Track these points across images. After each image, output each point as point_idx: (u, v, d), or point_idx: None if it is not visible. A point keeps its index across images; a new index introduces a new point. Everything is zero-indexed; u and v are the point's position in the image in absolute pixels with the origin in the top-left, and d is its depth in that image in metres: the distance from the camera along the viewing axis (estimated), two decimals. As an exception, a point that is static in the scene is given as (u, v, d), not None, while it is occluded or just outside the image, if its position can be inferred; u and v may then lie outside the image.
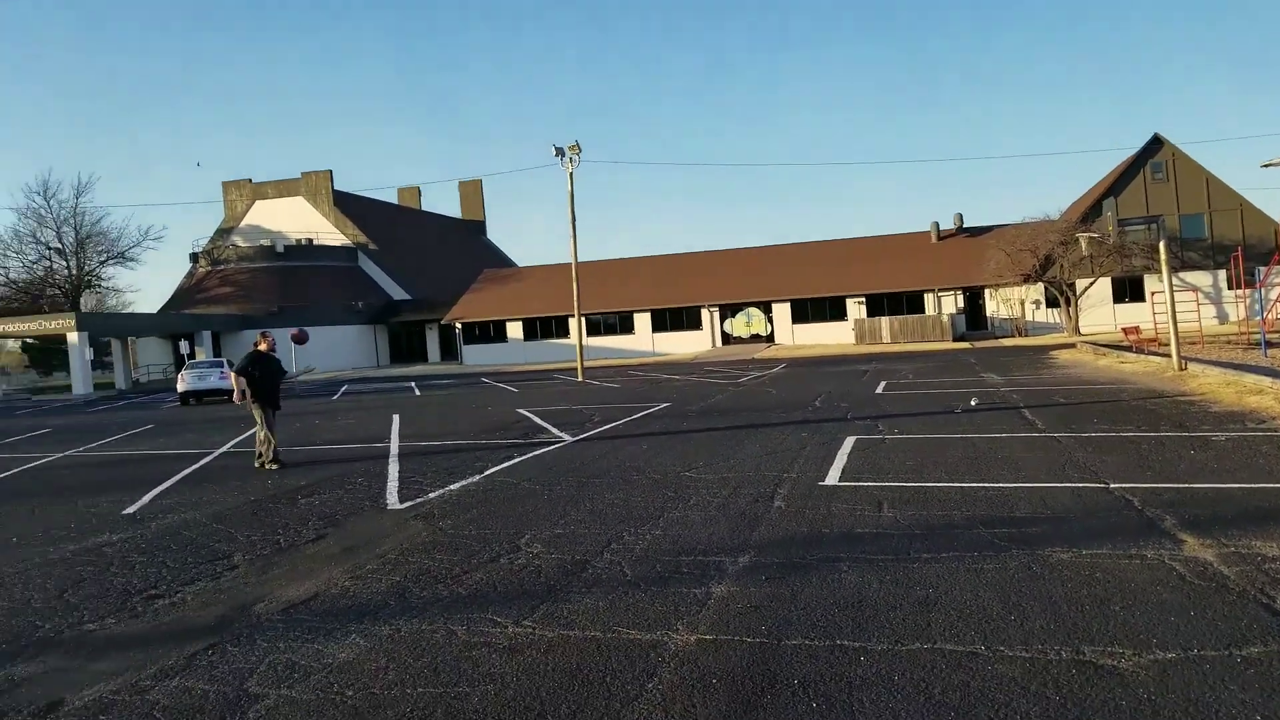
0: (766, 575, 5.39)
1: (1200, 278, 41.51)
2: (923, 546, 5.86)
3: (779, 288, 49.37)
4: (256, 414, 11.78)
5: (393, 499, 8.90)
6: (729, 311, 49.92)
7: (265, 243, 59.17)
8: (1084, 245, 25.04)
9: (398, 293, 61.29)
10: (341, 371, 51.86)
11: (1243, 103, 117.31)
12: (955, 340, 43.20)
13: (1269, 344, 21.41)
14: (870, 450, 10.22)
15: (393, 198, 76.09)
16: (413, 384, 34.06)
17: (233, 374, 12.00)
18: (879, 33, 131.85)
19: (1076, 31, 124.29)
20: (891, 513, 6.94)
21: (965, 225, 51.24)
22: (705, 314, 49.99)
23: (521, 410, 18.61)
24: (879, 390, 18.82)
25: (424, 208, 78.58)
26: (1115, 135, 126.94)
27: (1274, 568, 4.88)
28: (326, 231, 62.28)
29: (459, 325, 53.19)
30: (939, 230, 51.06)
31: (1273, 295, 26.96)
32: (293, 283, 56.03)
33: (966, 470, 8.61)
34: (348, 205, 64.03)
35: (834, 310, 48.07)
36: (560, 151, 31.05)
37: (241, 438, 16.43)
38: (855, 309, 47.54)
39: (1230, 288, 41.06)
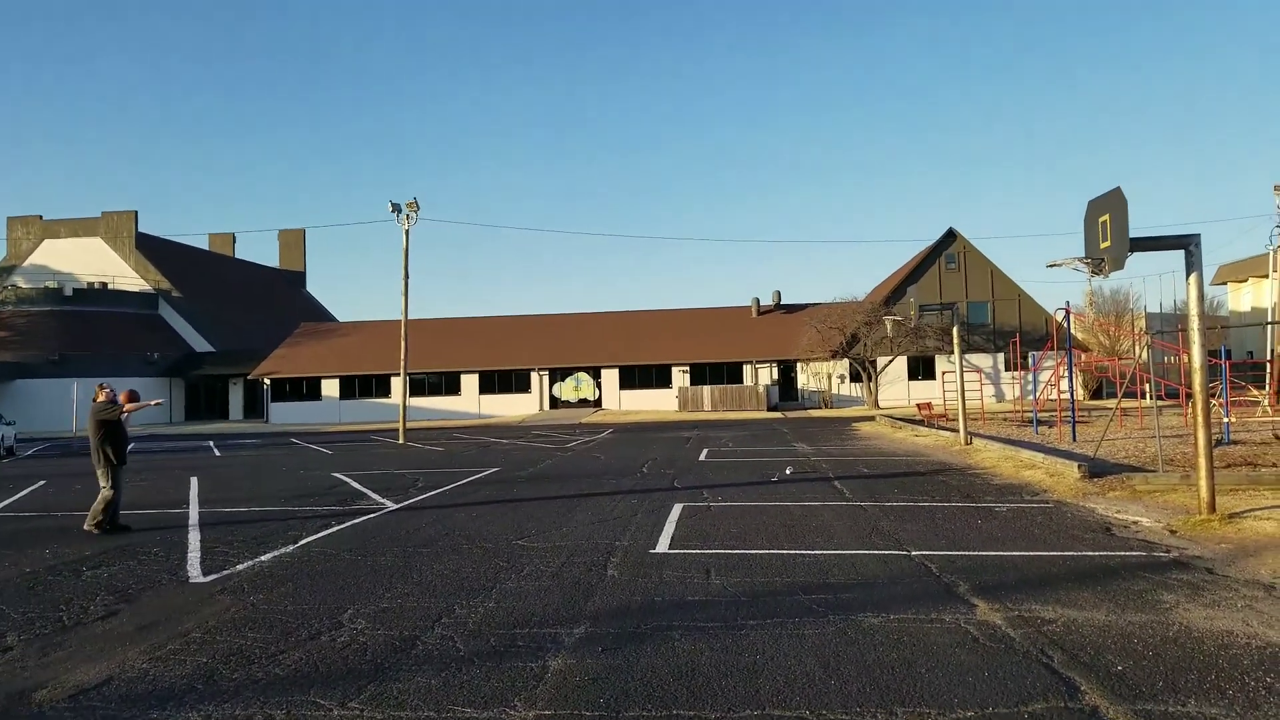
0: (603, 646, 5.46)
1: (982, 359, 45.83)
2: (749, 613, 6.13)
3: (608, 354, 50.23)
4: (103, 471, 10.86)
5: (195, 571, 8.27)
6: (558, 375, 50.18)
7: (51, 285, 54.21)
8: (889, 327, 27.17)
9: (200, 344, 57.48)
10: (129, 427, 47.70)
11: (1026, 203, 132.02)
12: (769, 410, 45.33)
13: (1040, 422, 23.95)
14: (697, 517, 10.56)
15: (205, 244, 71.86)
16: (211, 443, 31.78)
17: (126, 405, 11.54)
18: (713, 126, 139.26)
19: (885, 131, 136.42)
20: (719, 580, 7.21)
21: (783, 302, 54.33)
22: (534, 377, 50.00)
23: (338, 474, 17.84)
24: (702, 457, 19.45)
25: (240, 256, 74.60)
26: (916, 226, 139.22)
27: (1051, 630, 5.48)
28: (125, 276, 57.84)
29: (268, 381, 50.43)
30: (759, 306, 53.87)
31: (1044, 378, 30.17)
32: (80, 329, 51.46)
33: (785, 537, 9.07)
34: (152, 249, 59.87)
35: (660, 377, 49.37)
36: (397, 208, 30.54)
37: (11, 499, 14.85)
38: (680, 377, 49.03)
39: (1007, 369, 45.58)
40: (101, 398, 11.34)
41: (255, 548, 9.41)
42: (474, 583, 7.39)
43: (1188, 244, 9.55)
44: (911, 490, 12.62)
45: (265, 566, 8.40)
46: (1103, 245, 10.14)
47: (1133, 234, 9.70)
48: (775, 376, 49.15)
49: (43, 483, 17.93)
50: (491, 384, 50.20)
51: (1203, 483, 9.06)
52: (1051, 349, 30.96)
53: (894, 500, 11.58)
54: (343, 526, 10.79)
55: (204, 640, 5.91)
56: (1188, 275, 9.51)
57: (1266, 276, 39.83)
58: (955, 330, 21.86)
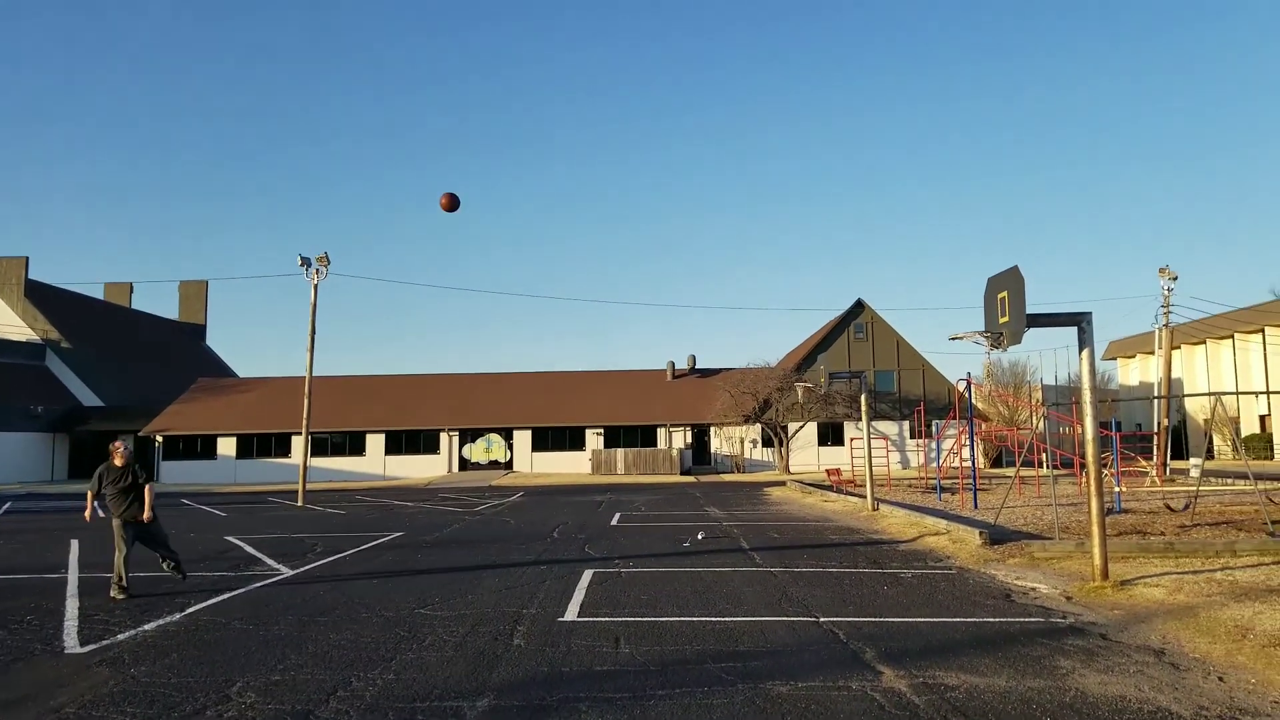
0: (507, 719, 5.27)
1: (889, 427, 47.09)
2: (658, 683, 6.02)
3: (520, 415, 49.72)
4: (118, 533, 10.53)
5: (71, 640, 7.73)
6: (468, 436, 49.34)
7: (-73, 332, 51.08)
8: (800, 394, 27.69)
9: (90, 398, 54.62)
10: (6, 485, 44.80)
11: (931, 277, 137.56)
12: (683, 473, 45.43)
13: (943, 489, 24.63)
14: (608, 584, 10.41)
15: (100, 293, 68.83)
16: (96, 503, 30.03)
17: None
18: (630, 190, 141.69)
19: (798, 204, 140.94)
20: (629, 648, 7.08)
21: (697, 366, 54.95)
22: (443, 438, 49.04)
23: (231, 538, 17.02)
24: (614, 522, 19.27)
25: (137, 307, 71.68)
26: (827, 296, 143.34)
27: (954, 696, 5.54)
28: (12, 325, 54.85)
29: (159, 438, 48.10)
30: (674, 369, 54.35)
31: (947, 446, 31.14)
32: (-42, 380, 48.40)
33: (696, 604, 9.00)
34: (42, 297, 57.03)
35: (573, 440, 49.04)
36: (306, 261, 29.95)
37: None
38: (593, 439, 48.81)
39: (912, 437, 46.93)
40: (120, 460, 10.80)
41: (138, 616, 8.85)
42: (373, 653, 7.08)
43: (1080, 321, 10.06)
44: (820, 556, 12.73)
45: (148, 636, 7.90)
46: (1001, 320, 10.62)
47: (1029, 310, 10.19)
48: (689, 440, 49.43)
49: (-99, 545, 16.57)
50: (398, 444, 49.00)
51: (1096, 550, 9.40)
52: (954, 418, 32.07)
53: (803, 566, 11.66)
54: (234, 594, 10.27)
55: (78, 716, 5.51)
56: (1080, 351, 10.01)
57: (1153, 353, 42.31)
58: (863, 398, 22.43)
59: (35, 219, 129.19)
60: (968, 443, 22.21)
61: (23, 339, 54.46)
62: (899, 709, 5.30)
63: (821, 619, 8.14)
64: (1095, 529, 9.36)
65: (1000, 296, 10.67)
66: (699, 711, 5.34)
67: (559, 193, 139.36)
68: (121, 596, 10.08)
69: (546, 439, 49.20)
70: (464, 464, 49.07)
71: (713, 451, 49.54)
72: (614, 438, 48.84)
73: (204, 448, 48.52)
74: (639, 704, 5.52)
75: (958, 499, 22.27)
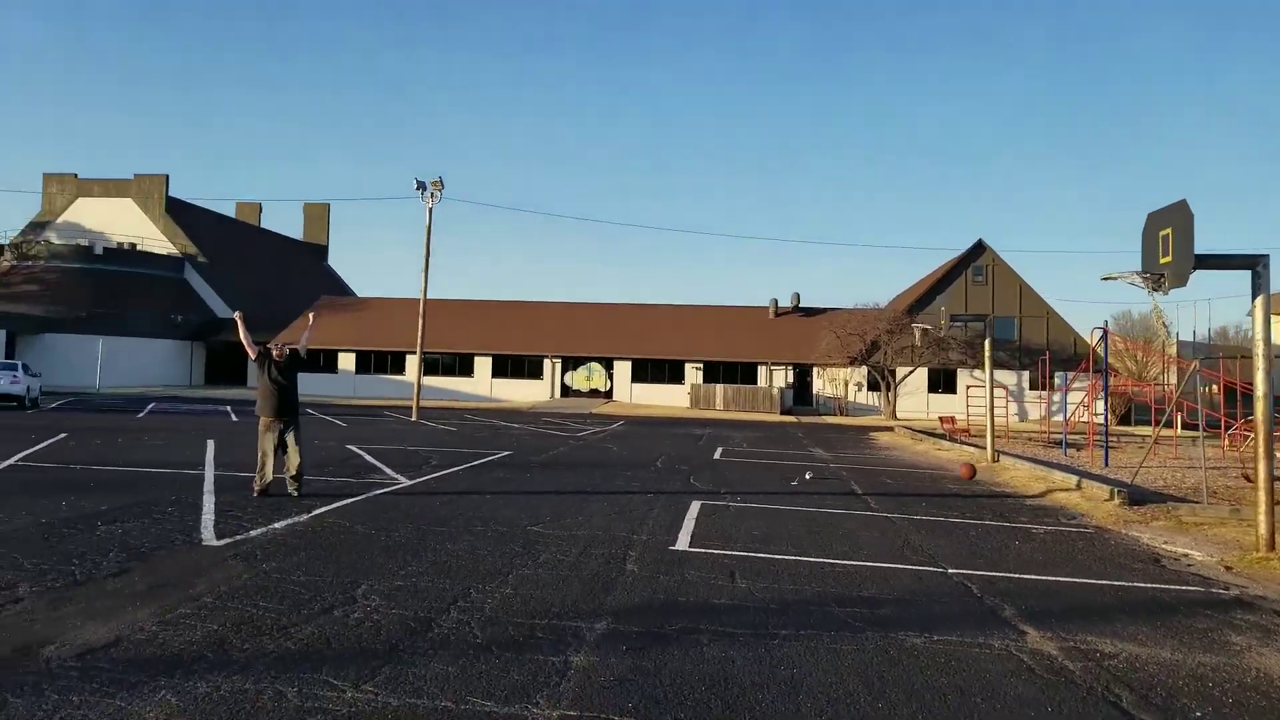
0: (627, 645, 5.12)
1: (1007, 377, 45.05)
2: (780, 622, 5.77)
3: (622, 345, 49.87)
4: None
5: (208, 534, 8.03)
6: (570, 364, 49.87)
7: (82, 243, 54.37)
8: (917, 336, 26.67)
9: (222, 310, 57.46)
10: (150, 388, 47.89)
11: (1058, 221, 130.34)
12: (783, 413, 44.81)
13: (1068, 444, 23.40)
14: (716, 516, 10.21)
15: (232, 211, 71.95)
16: (229, 408, 31.82)
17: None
18: (739, 123, 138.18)
19: (917, 137, 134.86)
20: (745, 584, 6.85)
21: (801, 305, 53.75)
22: (547, 364, 49.71)
23: (351, 447, 17.62)
24: (717, 456, 19.07)
25: (265, 225, 74.67)
26: (937, 236, 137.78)
27: (1113, 665, 5.07)
28: (154, 238, 57.95)
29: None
30: (777, 307, 53.32)
31: (1072, 399, 29.58)
32: (108, 288, 51.52)
33: (810, 544, 8.69)
34: (181, 213, 59.99)
35: (673, 373, 48.97)
36: (422, 185, 30.39)
37: (32, 450, 14.72)
38: (693, 374, 48.62)
39: (1032, 388, 44.87)
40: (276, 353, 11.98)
41: (269, 514, 9.16)
42: (490, 567, 7.08)
43: (1256, 264, 9.09)
44: (940, 505, 12.20)
45: (278, 534, 8.16)
46: (1163, 260, 9.72)
47: (1197, 251, 9.27)
48: (790, 380, 48.65)
49: (64, 435, 17.86)
50: (504, 368, 49.96)
51: (1261, 518, 8.59)
52: (1085, 370, 30.38)
53: (922, 514, 11.17)
54: (356, 499, 10.58)
55: (215, 606, 5.66)
56: (1254, 298, 9.06)
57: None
58: (988, 344, 21.37)
59: (175, 141, 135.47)
60: (1101, 396, 20.95)
61: (164, 252, 57.49)
62: (1051, 674, 4.89)
63: (950, 570, 7.71)
64: (1262, 494, 8.54)
65: (1163, 234, 9.75)
66: (828, 656, 5.06)
67: (674, 125, 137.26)
68: (258, 494, 10.52)
69: (646, 371, 49.27)
70: (565, 390, 49.72)
71: (814, 392, 48.66)
72: (713, 373, 48.50)
73: (326, 361, 50.55)
74: (762, 642, 5.28)
75: (1085, 455, 21.14)
